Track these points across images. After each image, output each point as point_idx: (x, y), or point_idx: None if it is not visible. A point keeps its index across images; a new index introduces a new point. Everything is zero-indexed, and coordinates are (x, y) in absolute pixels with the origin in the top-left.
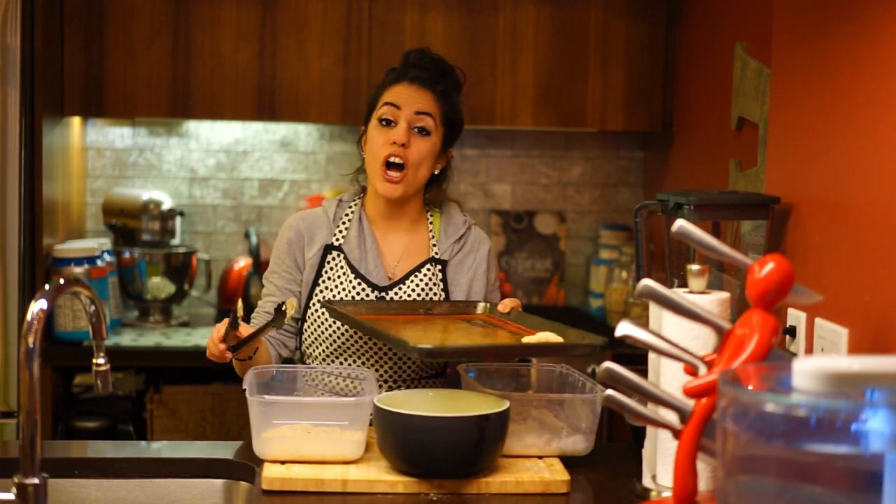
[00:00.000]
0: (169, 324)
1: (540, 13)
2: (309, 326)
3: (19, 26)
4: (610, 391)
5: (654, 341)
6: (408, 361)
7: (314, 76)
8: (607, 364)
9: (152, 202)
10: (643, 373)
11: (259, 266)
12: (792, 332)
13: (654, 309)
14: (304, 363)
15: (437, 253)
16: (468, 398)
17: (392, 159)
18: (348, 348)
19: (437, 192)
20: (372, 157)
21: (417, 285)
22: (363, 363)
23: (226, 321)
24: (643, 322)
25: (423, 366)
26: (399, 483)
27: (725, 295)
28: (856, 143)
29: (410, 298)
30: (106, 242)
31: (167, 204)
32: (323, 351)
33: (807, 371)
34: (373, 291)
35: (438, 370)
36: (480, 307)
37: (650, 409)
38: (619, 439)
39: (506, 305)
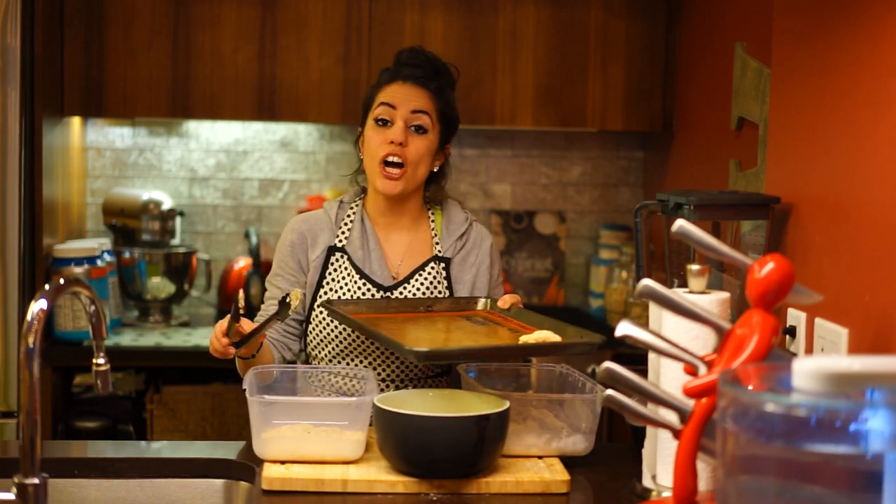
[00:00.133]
0: (169, 324)
1: (540, 13)
2: (314, 328)
3: (19, 27)
4: (610, 391)
5: (654, 341)
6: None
7: (314, 76)
8: (607, 364)
9: (152, 202)
10: (643, 373)
11: (259, 266)
12: (792, 332)
13: (654, 309)
14: (309, 364)
15: (439, 251)
16: (468, 398)
17: (390, 158)
18: (353, 349)
19: (437, 190)
20: (370, 157)
21: (422, 284)
22: (368, 364)
23: (228, 317)
24: (643, 322)
25: (429, 365)
26: (399, 483)
27: (725, 295)
28: (856, 143)
29: (415, 297)
30: (106, 242)
31: (167, 204)
32: (329, 353)
33: (807, 371)
34: (377, 291)
35: (444, 369)
36: (481, 304)
37: (650, 409)
38: (619, 439)
39: (506, 301)
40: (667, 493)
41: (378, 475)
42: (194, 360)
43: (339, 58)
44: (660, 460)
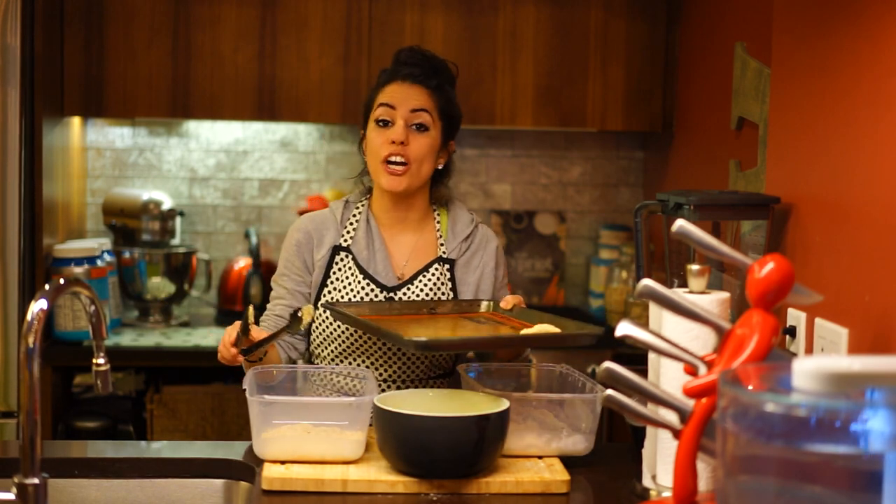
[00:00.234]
0: (169, 324)
1: (540, 13)
2: (317, 328)
3: (19, 26)
4: (610, 391)
5: (654, 341)
6: (416, 361)
7: (314, 76)
8: (607, 364)
9: (152, 202)
10: (643, 373)
11: (259, 266)
12: (792, 332)
13: (654, 309)
14: (312, 364)
15: (444, 252)
16: (468, 398)
17: (393, 158)
18: (356, 349)
19: (443, 189)
20: (373, 157)
21: (426, 285)
22: (371, 363)
23: (236, 324)
24: (643, 322)
25: (432, 365)
26: (399, 483)
27: (725, 295)
28: (856, 143)
29: (419, 298)
30: (106, 242)
31: (167, 204)
32: (332, 352)
33: (807, 371)
34: (382, 292)
35: (446, 371)
36: (484, 306)
37: (650, 409)
38: (619, 439)
39: (508, 302)
40: (667, 493)
41: (378, 475)
42: (194, 360)
43: (339, 58)
44: (660, 460)
